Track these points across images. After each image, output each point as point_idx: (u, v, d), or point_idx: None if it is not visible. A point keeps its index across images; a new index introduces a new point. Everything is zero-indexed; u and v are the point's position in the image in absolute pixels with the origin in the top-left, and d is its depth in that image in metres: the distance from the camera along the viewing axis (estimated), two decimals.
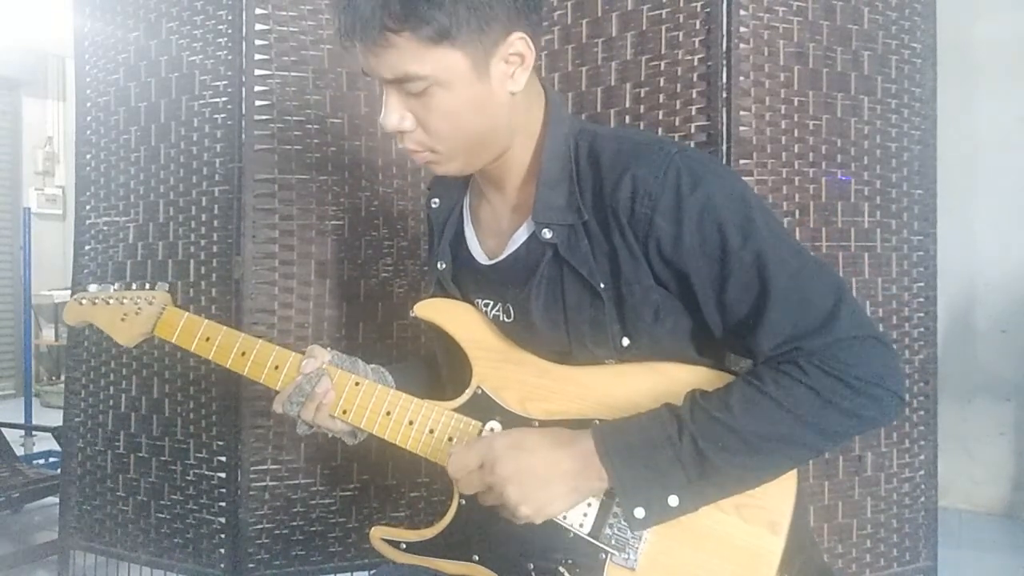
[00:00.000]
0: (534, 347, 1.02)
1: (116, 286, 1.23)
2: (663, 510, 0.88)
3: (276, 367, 1.10)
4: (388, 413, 1.04)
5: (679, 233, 0.92)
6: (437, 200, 1.16)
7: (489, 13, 0.89)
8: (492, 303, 1.07)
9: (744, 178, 1.33)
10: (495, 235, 1.08)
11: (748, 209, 0.92)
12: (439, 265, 1.13)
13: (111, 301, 1.21)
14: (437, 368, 1.23)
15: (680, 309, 0.97)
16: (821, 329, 0.87)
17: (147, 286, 1.21)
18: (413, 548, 1.03)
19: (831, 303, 0.88)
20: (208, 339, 1.14)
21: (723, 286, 0.91)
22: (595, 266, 0.97)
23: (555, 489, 0.89)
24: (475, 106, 0.93)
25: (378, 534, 1.05)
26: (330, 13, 1.93)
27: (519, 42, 0.92)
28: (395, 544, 1.04)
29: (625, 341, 0.97)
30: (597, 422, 0.95)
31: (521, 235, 1.03)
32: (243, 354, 1.11)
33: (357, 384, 1.06)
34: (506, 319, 1.05)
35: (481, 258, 1.09)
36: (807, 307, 0.89)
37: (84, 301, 1.23)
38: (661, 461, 0.87)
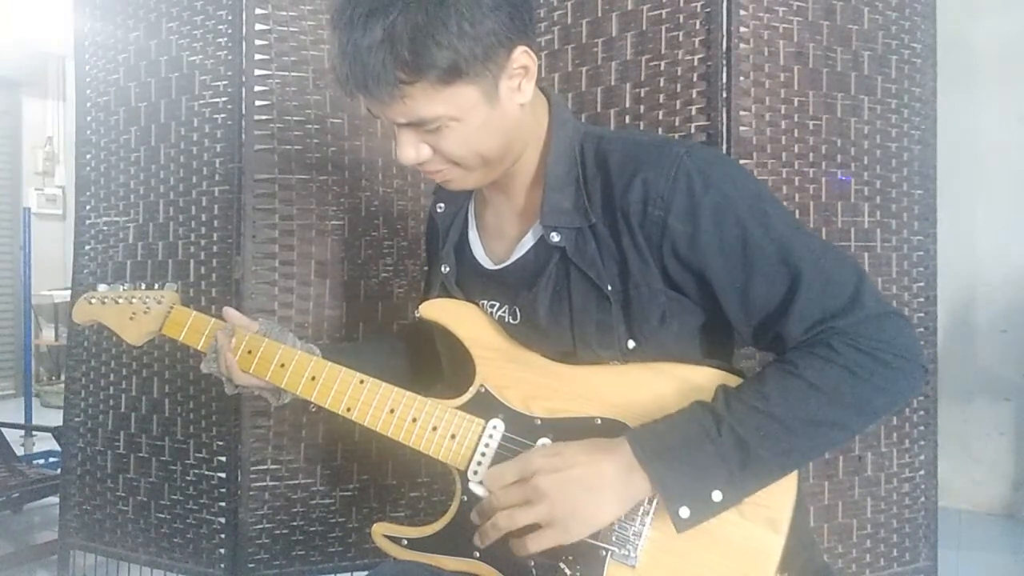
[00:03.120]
0: (539, 347, 1.02)
1: (126, 286, 1.24)
2: (707, 507, 0.87)
3: (282, 365, 1.10)
4: (392, 410, 1.04)
5: (695, 233, 0.92)
6: (442, 205, 1.16)
7: (492, 40, 0.89)
8: (498, 305, 1.07)
9: None
10: (500, 239, 1.09)
11: (762, 202, 0.94)
12: (443, 269, 1.13)
13: (120, 300, 1.22)
14: (410, 355, 1.25)
15: (687, 311, 0.98)
16: (848, 308, 0.89)
17: (156, 286, 1.22)
18: (415, 544, 1.03)
19: (854, 283, 0.91)
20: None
21: (748, 280, 0.92)
22: (603, 269, 0.97)
23: (604, 496, 0.87)
24: (489, 130, 0.94)
25: (380, 530, 1.05)
26: (330, 14, 1.93)
27: (522, 56, 0.93)
28: (397, 540, 1.04)
29: (631, 344, 0.98)
30: (599, 421, 0.95)
31: (528, 240, 1.04)
32: (249, 352, 1.12)
33: (362, 382, 1.06)
34: (512, 320, 1.05)
35: (486, 262, 1.09)
36: (833, 289, 0.90)
37: (94, 300, 1.24)
38: (701, 458, 0.87)
